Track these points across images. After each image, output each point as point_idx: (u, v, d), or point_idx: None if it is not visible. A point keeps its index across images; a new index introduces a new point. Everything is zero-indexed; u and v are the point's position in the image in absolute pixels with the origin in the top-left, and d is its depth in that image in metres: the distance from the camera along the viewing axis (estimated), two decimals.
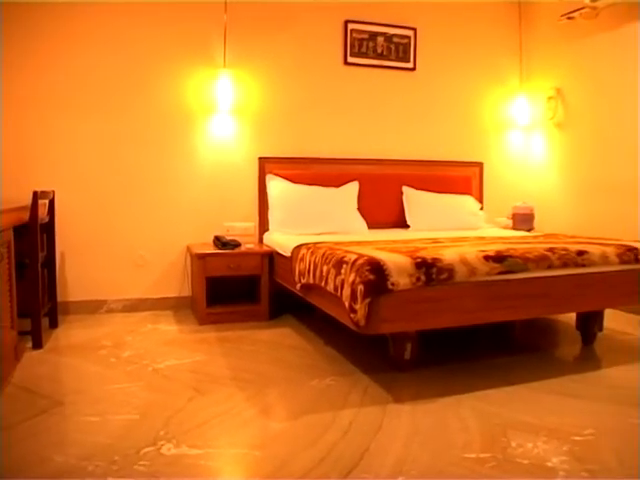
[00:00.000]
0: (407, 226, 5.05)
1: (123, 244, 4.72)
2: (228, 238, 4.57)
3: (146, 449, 2.32)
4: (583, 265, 3.38)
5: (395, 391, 3.01)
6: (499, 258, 3.10)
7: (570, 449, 2.37)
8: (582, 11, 5.16)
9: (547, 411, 2.79)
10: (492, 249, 3.21)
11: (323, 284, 3.24)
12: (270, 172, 4.93)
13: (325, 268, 3.22)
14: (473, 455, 2.32)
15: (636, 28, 4.85)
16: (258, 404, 2.84)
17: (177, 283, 4.87)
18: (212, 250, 4.44)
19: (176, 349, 3.75)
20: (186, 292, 4.89)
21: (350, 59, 5.27)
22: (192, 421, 2.61)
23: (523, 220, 5.30)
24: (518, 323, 4.39)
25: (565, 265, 3.30)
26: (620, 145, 5.06)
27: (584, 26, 5.30)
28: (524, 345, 4.08)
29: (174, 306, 4.85)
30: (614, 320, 4.43)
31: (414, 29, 5.48)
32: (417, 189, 5.25)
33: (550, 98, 5.73)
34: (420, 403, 2.85)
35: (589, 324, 3.89)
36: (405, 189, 5.22)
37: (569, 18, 5.33)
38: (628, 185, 4.95)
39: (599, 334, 3.99)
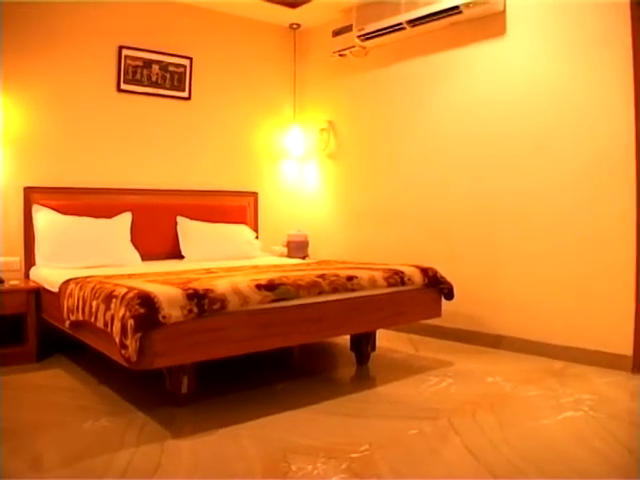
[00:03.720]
0: (182, 257, 4.97)
1: None
2: None
3: None
4: (353, 290, 3.52)
5: (173, 426, 2.92)
6: (271, 286, 3.15)
7: (348, 466, 2.45)
8: (353, 49, 5.48)
9: (326, 432, 2.86)
10: (265, 278, 3.25)
11: (93, 320, 3.08)
12: (37, 202, 4.58)
13: (94, 303, 3.07)
14: None
15: (402, 67, 5.25)
16: (25, 456, 2.58)
17: None
18: None
19: None
20: None
21: (124, 86, 5.10)
22: None
23: (298, 248, 5.45)
24: (296, 348, 4.48)
25: (336, 290, 3.42)
26: (385, 175, 5.42)
27: (355, 63, 5.63)
28: (303, 369, 4.17)
29: None
30: (386, 339, 4.68)
31: (190, 58, 5.45)
32: (192, 219, 5.19)
33: (322, 130, 5.98)
34: (200, 436, 2.79)
35: (362, 345, 4.07)
36: (180, 219, 5.14)
37: (341, 55, 5.63)
38: (393, 212, 5.30)
39: (373, 354, 4.16)
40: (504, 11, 4.50)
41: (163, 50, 5.28)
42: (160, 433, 2.83)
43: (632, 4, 3.84)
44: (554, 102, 4.25)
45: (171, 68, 5.35)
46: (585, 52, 4.08)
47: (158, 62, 5.26)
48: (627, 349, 3.88)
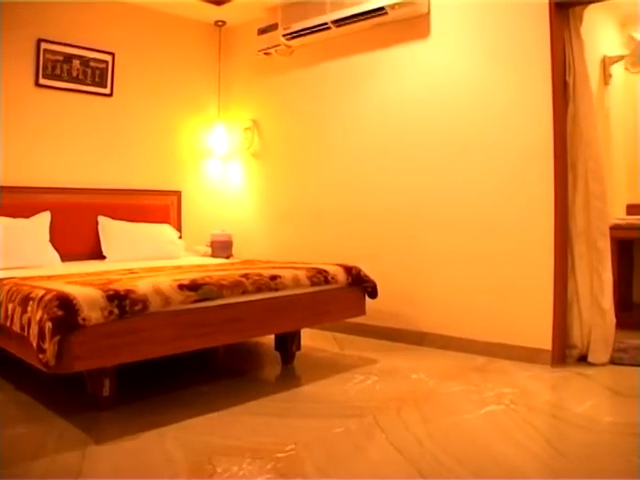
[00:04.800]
0: (104, 257, 4.85)
1: None
2: None
3: None
4: (276, 289, 3.52)
5: (95, 432, 2.84)
6: (194, 286, 3.11)
7: (274, 466, 2.45)
8: (278, 48, 5.48)
9: (251, 432, 2.86)
10: (187, 278, 3.21)
11: (9, 324, 2.98)
12: None
13: (10, 306, 2.97)
14: None
15: (327, 67, 5.28)
16: None
17: None
18: None
19: None
20: None
21: (42, 81, 4.92)
22: None
23: (221, 248, 5.41)
24: (221, 349, 4.44)
25: (259, 290, 3.41)
26: (309, 175, 5.44)
27: (280, 62, 5.63)
28: (228, 370, 4.15)
29: None
30: (311, 338, 4.69)
31: (112, 54, 5.32)
32: (114, 219, 5.08)
33: (247, 129, 5.96)
34: (122, 441, 2.73)
35: (287, 344, 4.07)
36: (101, 219, 5.02)
37: (266, 54, 5.62)
38: (317, 211, 5.33)
39: (298, 353, 4.16)
40: (428, 13, 4.59)
41: (84, 45, 5.14)
42: (81, 439, 2.75)
43: (551, 7, 3.97)
44: (477, 104, 4.35)
45: (93, 63, 5.21)
46: (507, 54, 4.20)
47: (79, 57, 5.11)
48: (546, 343, 4.01)
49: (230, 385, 3.68)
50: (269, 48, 5.56)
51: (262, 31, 5.58)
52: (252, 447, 2.66)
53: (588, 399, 3.35)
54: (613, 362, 4.04)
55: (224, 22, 6.08)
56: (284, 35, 5.24)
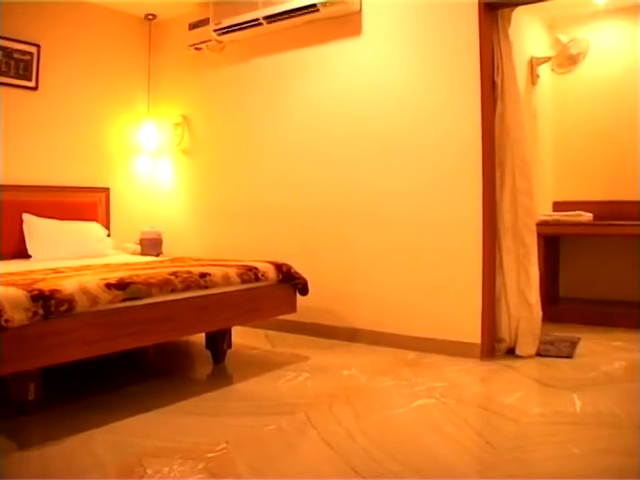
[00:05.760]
0: (29, 256, 4.69)
1: None
2: None
3: None
4: (206, 287, 3.49)
5: (20, 437, 2.77)
6: (122, 285, 3.06)
7: (205, 466, 2.44)
8: (209, 44, 5.43)
9: (182, 433, 2.83)
10: (115, 276, 3.15)
11: None
12: None
13: None
14: None
15: (259, 63, 5.27)
16: None
17: None
18: None
19: None
20: None
21: None
22: None
23: (151, 245, 5.33)
24: (151, 348, 4.39)
25: (188, 288, 3.37)
26: (240, 172, 5.41)
27: (211, 57, 5.58)
28: (159, 370, 4.11)
29: None
30: (242, 336, 4.67)
31: (38, 45, 5.15)
32: (39, 216, 4.90)
33: (177, 125, 5.88)
34: (49, 445, 2.66)
35: (218, 343, 4.05)
36: (26, 217, 4.83)
37: (197, 49, 5.56)
38: (249, 208, 5.32)
39: (229, 351, 4.14)
40: (360, 11, 4.63)
41: (7, 35, 4.95)
42: (5, 445, 2.67)
43: (480, 8, 4.05)
44: (408, 102, 4.42)
45: (16, 55, 5.03)
46: (438, 54, 4.28)
47: (2, 48, 4.92)
48: (476, 338, 4.11)
49: (161, 385, 3.64)
50: (200, 43, 5.51)
51: (193, 26, 5.52)
52: (183, 447, 2.64)
53: (516, 391, 3.45)
54: (540, 354, 4.18)
55: (155, 16, 5.98)
56: (215, 30, 5.20)
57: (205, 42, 5.45)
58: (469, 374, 3.80)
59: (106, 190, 5.71)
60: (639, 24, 5.48)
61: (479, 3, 4.05)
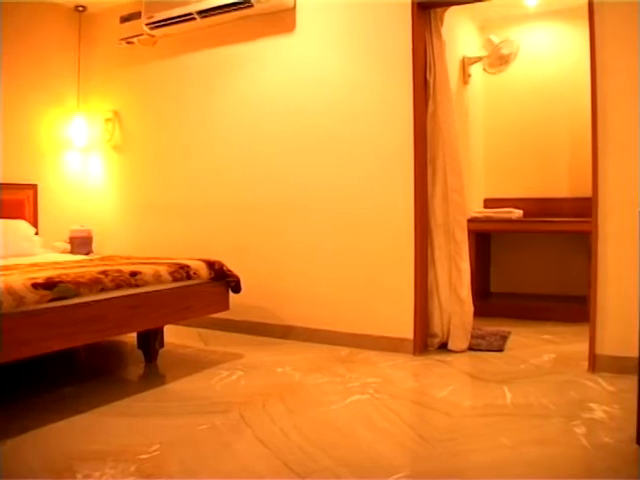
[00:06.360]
0: None
1: None
2: None
3: None
4: (137, 285, 3.44)
5: None
6: (49, 285, 2.97)
7: (138, 468, 2.41)
8: (141, 38, 5.34)
9: (114, 435, 2.78)
10: (42, 276, 3.06)
11: None
12: None
13: None
14: None
15: (192, 58, 5.21)
16: None
17: None
18: None
19: None
20: None
21: None
22: None
23: (81, 244, 5.20)
24: (82, 349, 4.28)
25: (119, 287, 3.31)
26: (172, 168, 5.34)
27: (143, 52, 5.48)
28: (91, 370, 4.02)
29: None
30: (174, 335, 4.60)
31: None
32: None
33: (107, 120, 5.76)
34: None
35: (150, 342, 4.00)
36: None
37: (128, 43, 5.46)
38: (180, 206, 5.26)
39: (161, 350, 4.10)
40: (294, 8, 4.63)
41: None
42: None
43: (413, 7, 4.10)
44: (342, 100, 4.44)
45: None
46: (372, 52, 4.32)
47: None
48: (409, 333, 4.17)
49: (93, 386, 3.57)
50: (132, 37, 5.41)
51: (125, 19, 5.42)
52: (115, 450, 2.59)
53: (449, 385, 3.51)
54: (471, 348, 4.27)
55: (85, 7, 5.83)
56: (147, 24, 5.10)
57: (137, 36, 5.36)
58: (402, 369, 3.85)
59: (34, 187, 5.54)
60: (573, 26, 5.64)
61: (412, 3, 4.10)
